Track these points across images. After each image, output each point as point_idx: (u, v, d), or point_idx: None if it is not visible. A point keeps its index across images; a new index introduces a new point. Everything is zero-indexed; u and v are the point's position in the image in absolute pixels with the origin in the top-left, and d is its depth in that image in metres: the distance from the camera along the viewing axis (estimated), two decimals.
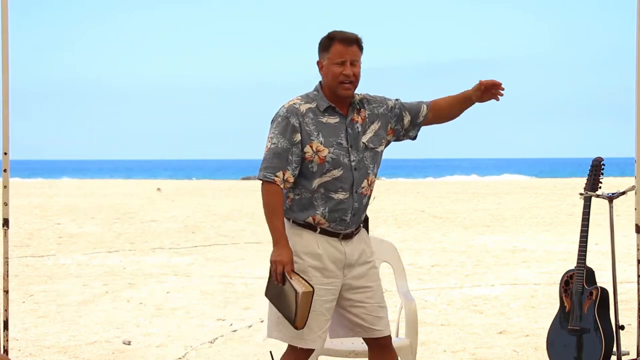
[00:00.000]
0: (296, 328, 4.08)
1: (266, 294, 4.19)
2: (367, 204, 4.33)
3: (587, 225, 5.52)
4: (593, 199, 5.59)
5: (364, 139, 4.22)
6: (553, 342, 5.59)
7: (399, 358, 4.99)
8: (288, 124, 4.13)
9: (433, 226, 17.61)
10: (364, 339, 4.35)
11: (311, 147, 4.14)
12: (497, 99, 4.34)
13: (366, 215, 4.40)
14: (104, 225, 18.00)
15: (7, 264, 5.40)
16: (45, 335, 7.42)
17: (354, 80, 4.18)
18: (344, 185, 4.18)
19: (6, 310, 5.40)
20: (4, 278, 5.34)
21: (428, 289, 9.75)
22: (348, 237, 4.26)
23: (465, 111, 4.45)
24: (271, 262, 4.11)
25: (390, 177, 54.13)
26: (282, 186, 4.12)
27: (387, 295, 9.03)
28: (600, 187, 5.59)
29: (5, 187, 5.28)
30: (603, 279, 6.78)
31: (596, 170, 5.58)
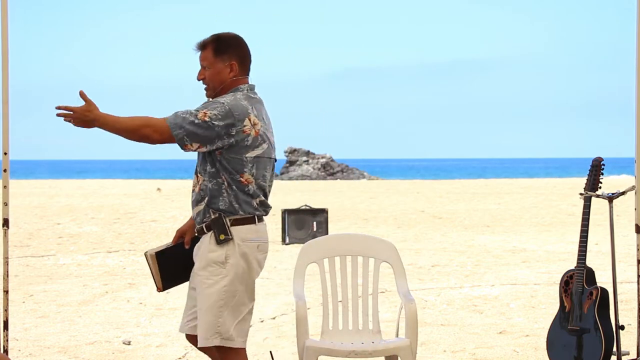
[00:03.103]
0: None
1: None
2: (197, 201, 4.32)
3: (587, 225, 5.53)
4: (593, 199, 5.59)
5: None
6: (553, 342, 5.59)
7: (398, 358, 5.00)
8: None
9: (433, 226, 17.61)
10: None
11: None
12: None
13: (215, 221, 4.28)
14: (104, 225, 17.99)
15: (7, 264, 5.40)
16: (45, 335, 7.42)
17: (206, 82, 4.37)
18: None
19: (6, 310, 5.40)
20: (4, 278, 5.35)
21: (428, 289, 9.75)
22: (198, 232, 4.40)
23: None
24: None
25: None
26: None
27: (387, 295, 9.04)
28: (600, 187, 5.59)
29: (5, 187, 5.28)
30: (603, 279, 6.78)
31: (596, 170, 5.58)
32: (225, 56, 4.32)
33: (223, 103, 4.23)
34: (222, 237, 4.24)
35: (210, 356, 4.45)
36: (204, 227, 4.29)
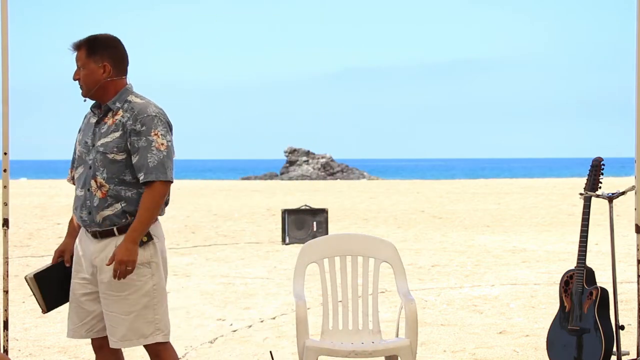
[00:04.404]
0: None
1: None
2: (102, 207, 4.23)
3: (587, 225, 5.53)
4: (593, 199, 5.59)
5: (100, 141, 4.27)
6: (553, 342, 5.59)
7: (398, 358, 5.00)
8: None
9: (433, 226, 17.61)
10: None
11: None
12: None
13: (126, 223, 4.25)
14: None
15: (7, 264, 5.41)
16: (45, 335, 7.42)
17: (81, 83, 4.31)
18: (80, 182, 4.34)
19: (6, 310, 5.40)
20: (4, 278, 5.35)
21: (428, 289, 9.75)
22: (95, 235, 4.29)
23: None
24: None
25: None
26: None
27: (387, 295, 9.04)
28: (600, 187, 5.59)
29: (5, 187, 5.28)
30: (603, 279, 6.78)
31: (596, 170, 5.58)
32: (98, 57, 4.27)
33: (155, 115, 4.22)
34: (145, 239, 4.24)
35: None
36: (115, 229, 4.23)
